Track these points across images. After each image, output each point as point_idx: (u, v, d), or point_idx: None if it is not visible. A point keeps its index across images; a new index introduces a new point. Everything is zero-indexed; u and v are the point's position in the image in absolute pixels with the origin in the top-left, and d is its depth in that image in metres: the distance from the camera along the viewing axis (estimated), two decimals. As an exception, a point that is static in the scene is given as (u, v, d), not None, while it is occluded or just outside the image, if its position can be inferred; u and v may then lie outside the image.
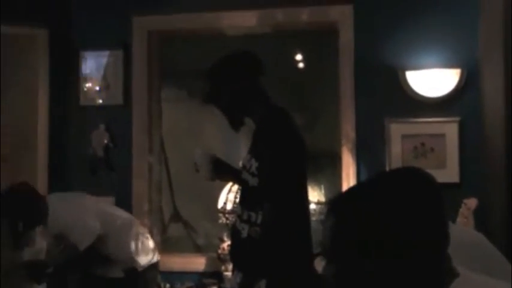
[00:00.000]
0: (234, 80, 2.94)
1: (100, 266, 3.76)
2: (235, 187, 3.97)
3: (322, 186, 4.59)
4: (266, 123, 2.91)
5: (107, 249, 3.72)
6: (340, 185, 4.11)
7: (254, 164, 2.86)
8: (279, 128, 2.87)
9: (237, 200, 3.56)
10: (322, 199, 4.59)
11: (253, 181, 2.87)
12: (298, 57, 4.58)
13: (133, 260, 3.80)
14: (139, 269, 3.81)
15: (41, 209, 3.48)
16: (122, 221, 3.85)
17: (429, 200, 1.30)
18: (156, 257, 3.93)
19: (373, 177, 1.39)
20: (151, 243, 3.93)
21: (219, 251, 4.14)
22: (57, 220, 3.55)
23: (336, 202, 1.34)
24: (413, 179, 1.33)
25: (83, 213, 3.66)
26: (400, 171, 1.46)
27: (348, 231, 1.27)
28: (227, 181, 3.87)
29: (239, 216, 2.98)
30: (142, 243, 3.85)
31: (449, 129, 3.95)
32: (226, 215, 4.10)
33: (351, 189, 1.39)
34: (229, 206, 4.09)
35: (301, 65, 4.61)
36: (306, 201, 3.03)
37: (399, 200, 1.28)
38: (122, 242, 3.78)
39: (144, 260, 3.83)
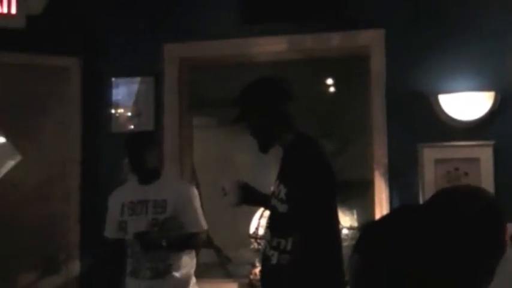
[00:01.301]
0: (263, 105, 2.94)
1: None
2: (267, 212, 3.95)
3: (355, 211, 4.55)
4: (293, 150, 2.89)
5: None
6: (372, 210, 4.06)
7: (283, 190, 2.84)
8: (306, 155, 2.85)
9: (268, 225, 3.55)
10: (355, 224, 4.55)
11: (282, 207, 2.85)
12: (329, 82, 4.57)
13: None
14: None
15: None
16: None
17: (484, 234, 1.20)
18: None
19: (401, 210, 1.29)
20: None
21: (251, 277, 4.12)
22: (175, 193, 3.61)
23: (361, 241, 1.21)
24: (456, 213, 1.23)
25: (198, 205, 3.69)
26: (432, 204, 1.34)
27: (374, 273, 1.15)
28: (255, 206, 3.86)
29: (268, 243, 2.96)
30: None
31: (484, 153, 3.88)
32: (258, 240, 4.08)
33: (377, 224, 1.25)
34: (261, 232, 4.07)
35: (332, 90, 4.60)
36: (336, 228, 2.99)
37: (434, 241, 1.14)
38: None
39: None
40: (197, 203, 3.69)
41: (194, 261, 3.71)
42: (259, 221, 4.13)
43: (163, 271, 3.57)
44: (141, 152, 3.64)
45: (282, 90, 2.98)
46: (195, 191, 3.73)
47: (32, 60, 4.27)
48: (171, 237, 3.56)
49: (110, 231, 3.74)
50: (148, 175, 3.67)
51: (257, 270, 4.03)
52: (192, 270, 3.69)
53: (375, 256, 1.15)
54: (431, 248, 1.12)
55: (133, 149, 3.68)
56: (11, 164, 4.21)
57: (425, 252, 1.11)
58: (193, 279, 3.70)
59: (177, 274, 3.59)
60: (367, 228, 1.24)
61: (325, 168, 2.85)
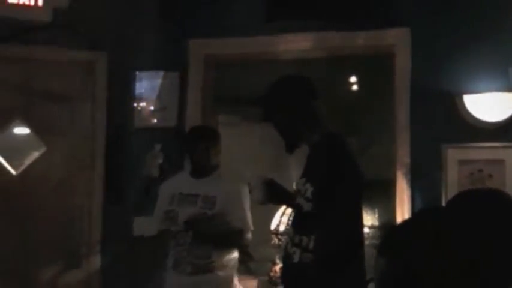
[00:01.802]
0: (290, 104, 2.93)
1: None
2: (290, 209, 3.95)
3: (376, 210, 4.54)
4: (321, 149, 2.88)
5: None
6: (394, 209, 4.04)
7: (309, 189, 2.83)
8: (334, 154, 2.84)
9: (290, 222, 3.55)
10: (376, 223, 4.54)
11: (307, 206, 2.84)
12: (354, 81, 4.56)
13: None
14: None
15: None
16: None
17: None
18: None
19: (424, 212, 1.29)
20: None
21: (271, 274, 4.12)
22: (225, 190, 3.62)
23: (385, 244, 1.22)
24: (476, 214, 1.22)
25: (247, 205, 3.68)
26: (455, 206, 1.32)
27: (399, 276, 1.16)
28: (280, 204, 3.86)
29: (291, 239, 2.96)
30: None
31: (509, 154, 3.84)
32: (279, 236, 4.07)
33: (401, 227, 1.27)
34: (282, 228, 4.06)
35: (356, 89, 4.59)
36: (359, 227, 2.99)
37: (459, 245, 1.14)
38: None
39: None
40: (247, 203, 3.68)
41: (236, 260, 3.69)
42: (280, 218, 4.12)
43: (204, 268, 3.55)
44: (206, 146, 3.65)
45: (308, 89, 2.97)
46: (247, 191, 3.68)
47: (58, 54, 4.30)
48: (219, 230, 3.54)
49: (156, 222, 3.74)
50: (205, 169, 3.68)
51: (277, 267, 4.03)
52: (235, 270, 3.68)
53: (399, 259, 1.16)
54: (454, 250, 1.12)
55: (199, 142, 3.68)
56: (35, 155, 4.26)
57: (449, 254, 1.12)
58: (236, 279, 3.69)
59: (219, 273, 3.58)
60: (391, 231, 1.27)
61: (352, 168, 2.84)
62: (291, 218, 3.45)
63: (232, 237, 3.63)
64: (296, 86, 2.98)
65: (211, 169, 3.71)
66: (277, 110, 2.94)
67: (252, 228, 3.71)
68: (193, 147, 3.71)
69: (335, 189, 2.76)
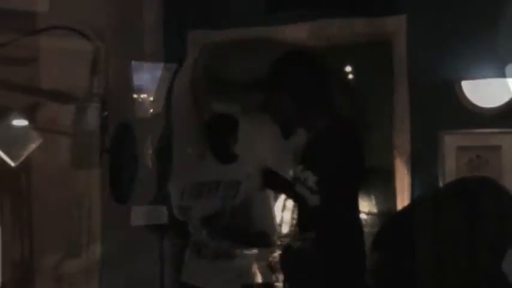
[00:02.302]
0: (293, 83, 2.86)
1: None
2: (290, 203, 3.89)
3: (373, 197, 4.55)
4: (331, 137, 2.82)
5: None
6: (394, 196, 4.06)
7: (311, 178, 2.75)
8: (349, 143, 2.80)
9: (294, 222, 3.51)
10: (374, 210, 4.56)
11: (313, 199, 2.74)
12: (352, 68, 4.55)
13: None
14: None
15: None
16: None
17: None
18: None
19: (416, 204, 1.30)
20: None
21: (270, 259, 4.12)
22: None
23: (380, 238, 1.26)
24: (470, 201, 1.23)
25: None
26: (449, 196, 1.32)
27: (394, 269, 1.19)
28: (278, 192, 3.83)
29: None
30: None
31: (506, 140, 3.85)
32: (281, 239, 3.89)
33: (394, 221, 1.30)
34: (284, 229, 3.99)
35: (355, 76, 4.58)
36: (358, 215, 3.00)
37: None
38: None
39: None
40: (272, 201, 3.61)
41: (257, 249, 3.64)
42: (282, 214, 4.04)
43: (224, 254, 3.52)
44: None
45: (316, 66, 2.88)
46: None
47: (58, 44, 4.28)
48: (239, 229, 3.44)
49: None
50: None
51: (276, 253, 4.03)
52: (254, 258, 3.63)
53: (393, 252, 1.21)
54: (450, 241, 1.16)
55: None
56: (32, 147, 4.25)
57: (444, 244, 1.15)
58: (255, 267, 3.65)
59: (240, 260, 3.54)
60: (384, 225, 1.28)
61: (355, 155, 2.82)
62: (295, 216, 3.39)
63: (255, 239, 3.52)
64: (304, 61, 2.89)
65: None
66: (280, 89, 2.85)
67: (277, 230, 3.61)
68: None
69: (337, 177, 2.74)
